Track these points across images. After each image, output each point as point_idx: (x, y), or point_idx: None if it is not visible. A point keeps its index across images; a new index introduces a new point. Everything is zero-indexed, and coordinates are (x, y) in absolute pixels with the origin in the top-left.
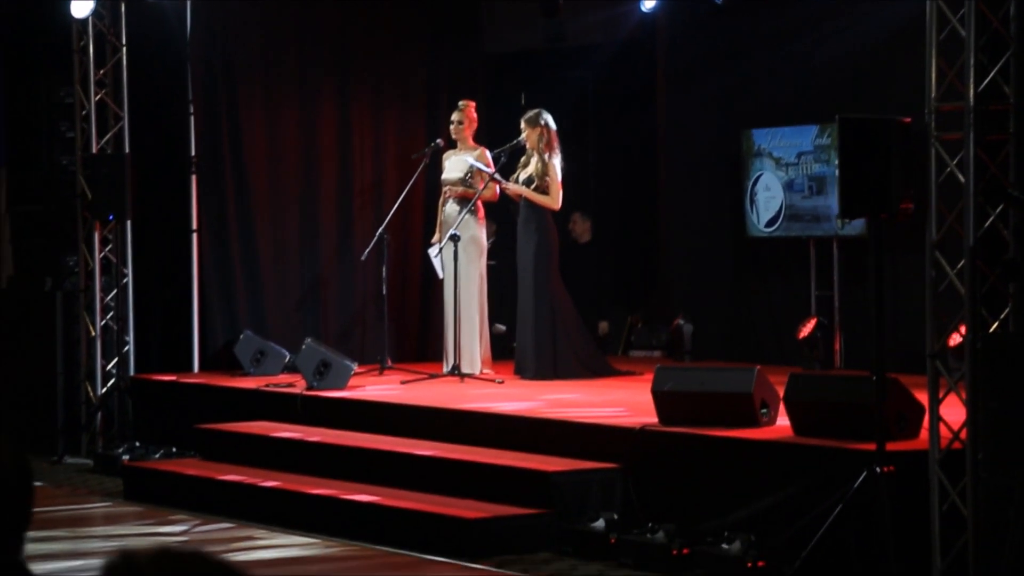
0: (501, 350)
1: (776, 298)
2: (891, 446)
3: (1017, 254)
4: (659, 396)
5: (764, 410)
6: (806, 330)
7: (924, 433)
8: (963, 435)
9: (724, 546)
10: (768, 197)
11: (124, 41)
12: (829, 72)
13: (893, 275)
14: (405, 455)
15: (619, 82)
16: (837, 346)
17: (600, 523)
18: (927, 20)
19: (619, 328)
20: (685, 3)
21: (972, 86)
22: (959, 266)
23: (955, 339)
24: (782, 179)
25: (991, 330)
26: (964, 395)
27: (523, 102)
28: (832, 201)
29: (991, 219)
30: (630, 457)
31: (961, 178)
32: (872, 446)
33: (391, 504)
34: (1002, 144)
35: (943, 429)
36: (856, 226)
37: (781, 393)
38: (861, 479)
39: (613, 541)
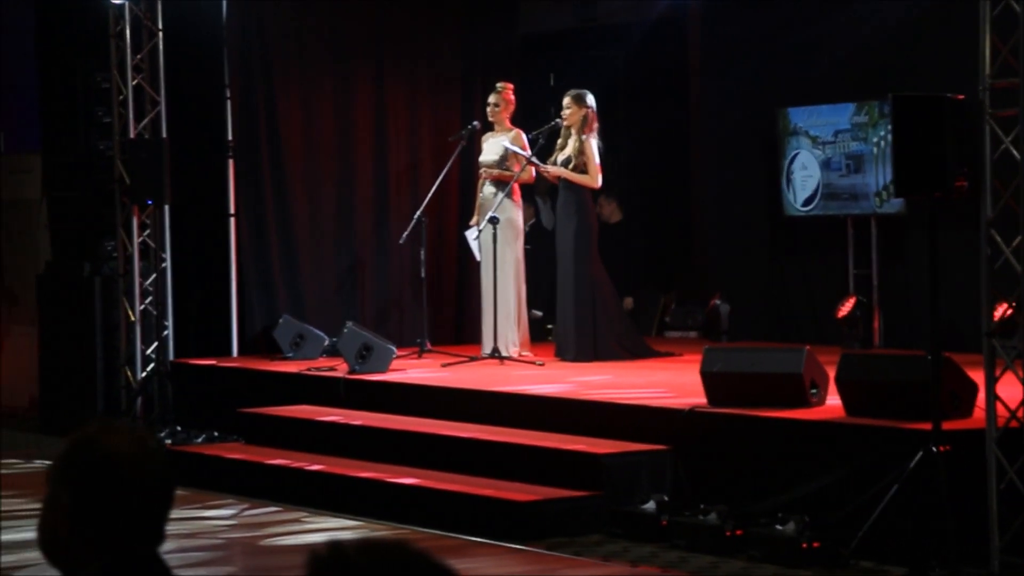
0: (536, 334)
1: (813, 277)
2: (946, 425)
3: None
4: (708, 377)
5: (814, 390)
6: (845, 309)
7: (977, 412)
8: (1020, 413)
9: (778, 527)
10: (805, 176)
11: (160, 26)
12: (866, 50)
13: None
14: (451, 438)
15: (651, 61)
16: (876, 325)
17: (651, 505)
18: None
19: (651, 308)
20: None
21: None
22: (1015, 243)
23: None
24: (819, 157)
25: None
26: (1021, 373)
27: (552, 83)
28: (870, 179)
29: None
30: (679, 438)
31: (1016, 154)
32: (926, 425)
33: (439, 487)
34: None
35: (999, 407)
36: (894, 204)
37: (829, 372)
38: (917, 458)
39: (665, 523)
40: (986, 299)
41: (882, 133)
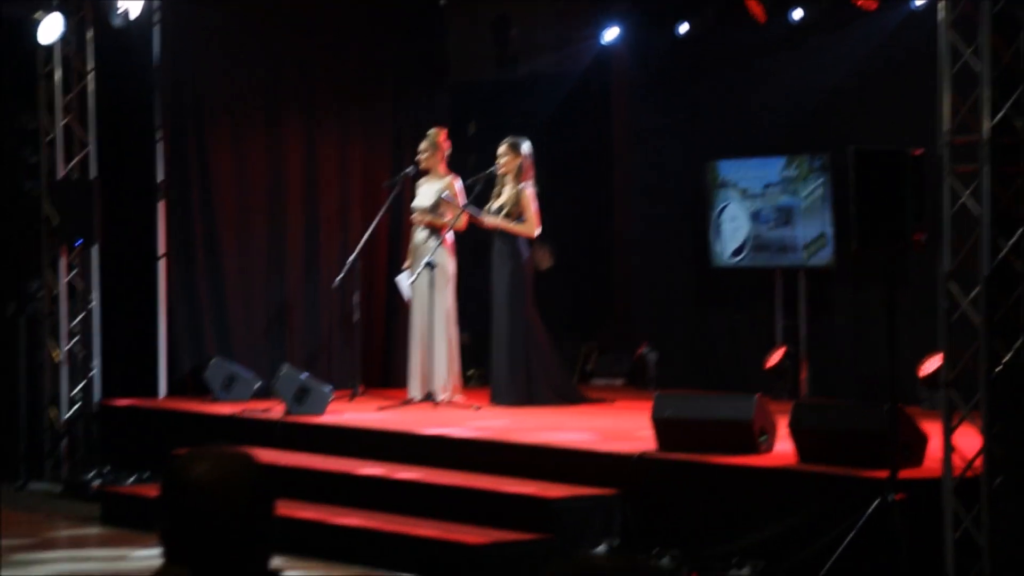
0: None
1: (741, 327)
2: (901, 474)
3: None
4: (659, 423)
5: (763, 437)
6: (774, 359)
7: (927, 462)
8: (976, 463)
9: (733, 571)
10: (734, 227)
11: (91, 67)
12: (796, 105)
13: (861, 305)
14: (394, 480)
15: (576, 111)
16: (803, 375)
17: (602, 548)
18: (939, 53)
19: (574, 356)
20: (646, 32)
21: (988, 119)
22: (972, 295)
23: (927, 369)
24: (748, 209)
25: (1005, 360)
26: (979, 424)
27: (471, 132)
28: (799, 232)
29: (1004, 251)
30: (628, 483)
31: (973, 210)
32: (882, 474)
33: (384, 528)
34: (1014, 176)
35: (955, 457)
36: (823, 256)
37: (777, 421)
38: (873, 506)
39: None
40: (946, 351)
41: (811, 187)
